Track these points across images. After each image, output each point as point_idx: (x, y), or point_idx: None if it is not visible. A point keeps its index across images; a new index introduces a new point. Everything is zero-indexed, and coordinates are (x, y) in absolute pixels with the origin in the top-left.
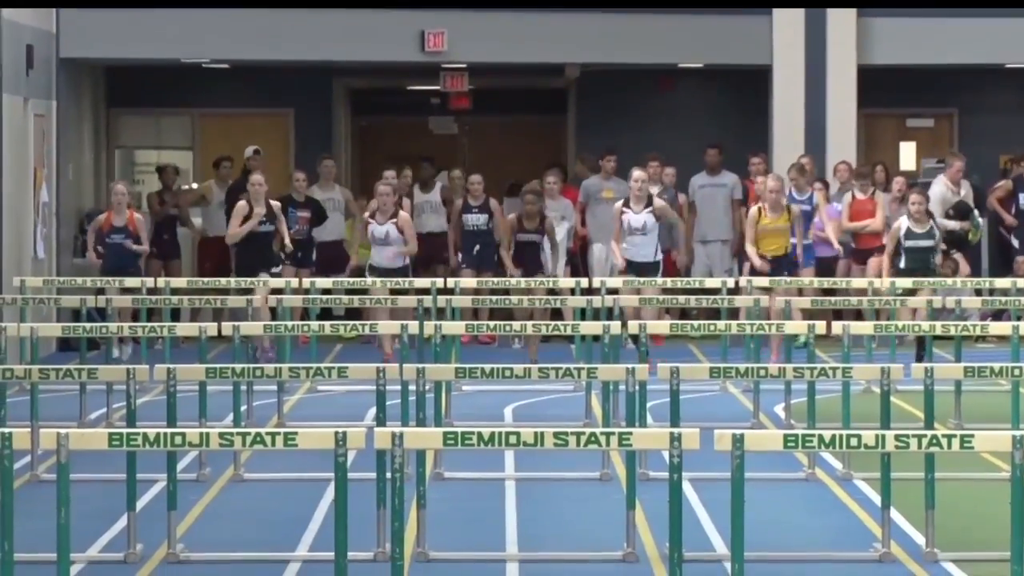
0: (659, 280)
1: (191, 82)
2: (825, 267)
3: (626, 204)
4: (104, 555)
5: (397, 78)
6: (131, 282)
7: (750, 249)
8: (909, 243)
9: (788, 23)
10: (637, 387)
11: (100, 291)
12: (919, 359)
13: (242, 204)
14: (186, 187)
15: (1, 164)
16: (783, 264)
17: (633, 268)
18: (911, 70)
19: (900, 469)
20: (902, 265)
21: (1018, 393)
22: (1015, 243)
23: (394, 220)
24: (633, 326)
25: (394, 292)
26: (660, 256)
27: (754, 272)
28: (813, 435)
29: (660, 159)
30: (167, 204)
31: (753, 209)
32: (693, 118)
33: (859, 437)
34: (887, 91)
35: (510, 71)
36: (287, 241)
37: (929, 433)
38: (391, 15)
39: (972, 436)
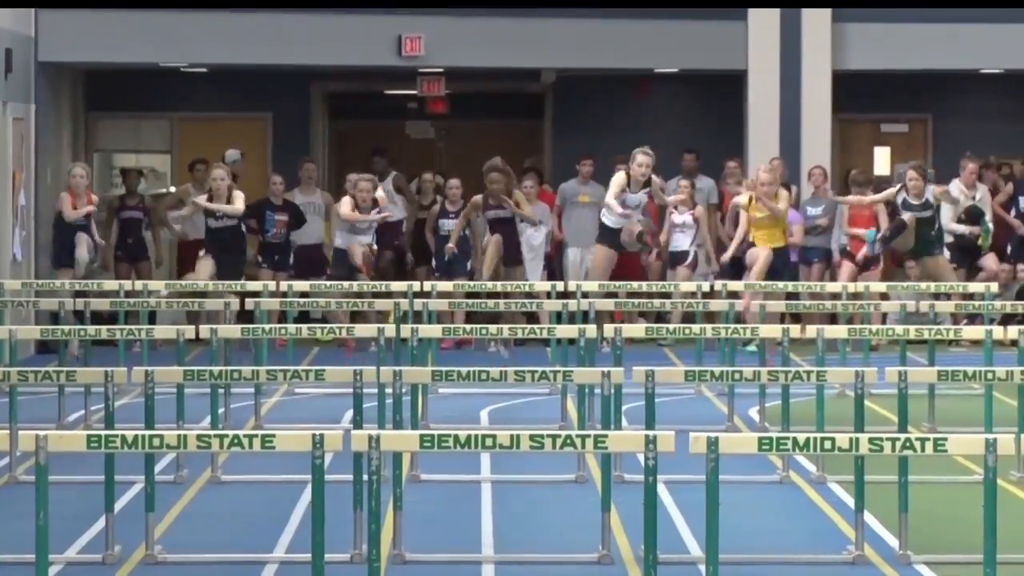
0: (635, 285)
1: (170, 86)
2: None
3: (625, 189)
4: (83, 556)
5: (374, 82)
6: (108, 285)
7: (735, 241)
8: (908, 214)
9: (763, 28)
10: (612, 390)
11: (80, 294)
12: None
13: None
14: (163, 191)
15: None
16: (780, 258)
17: (617, 245)
18: (885, 75)
19: (874, 472)
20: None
21: (991, 397)
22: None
23: (377, 209)
24: (608, 330)
25: (376, 296)
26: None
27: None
28: (787, 438)
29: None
30: (128, 207)
31: (743, 198)
32: (669, 123)
33: (833, 440)
34: (861, 96)
35: (487, 76)
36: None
37: (903, 436)
38: (369, 19)
39: (945, 439)
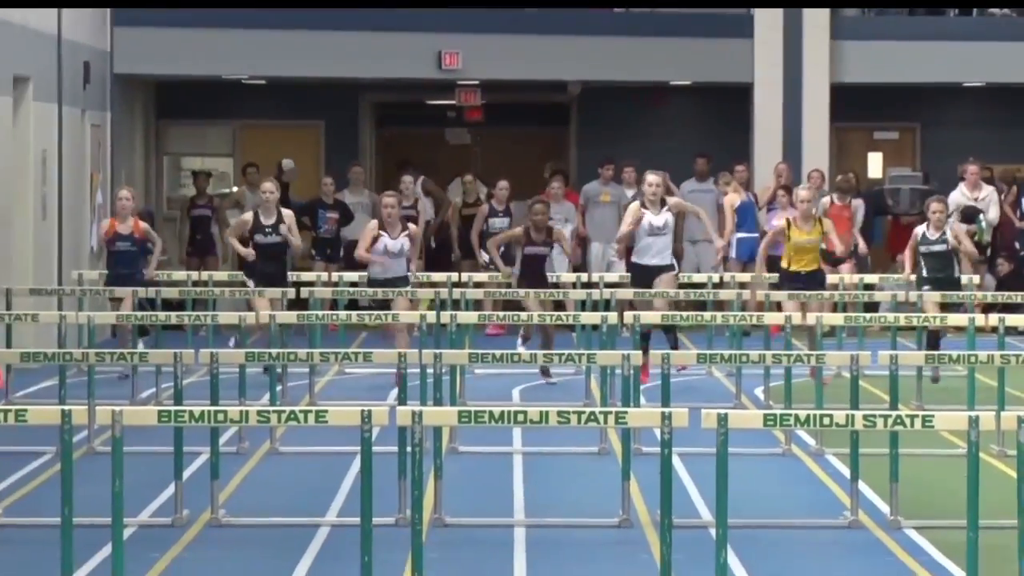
0: (672, 292)
1: (232, 96)
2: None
3: (642, 207)
4: (154, 519)
5: (416, 93)
6: (177, 275)
7: (762, 255)
8: (923, 248)
9: (767, 44)
10: (632, 371)
11: (152, 283)
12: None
13: (247, 216)
14: (226, 190)
15: (61, 169)
16: (816, 278)
17: (651, 272)
18: (878, 88)
19: (868, 446)
20: (925, 274)
21: (973, 378)
22: (1017, 245)
23: (406, 232)
24: (628, 317)
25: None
26: (673, 259)
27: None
28: (790, 415)
29: (636, 166)
30: (198, 206)
31: (781, 222)
32: (683, 130)
33: (831, 417)
34: (856, 107)
35: (518, 87)
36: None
37: (894, 413)
38: (412, 37)
39: (932, 416)
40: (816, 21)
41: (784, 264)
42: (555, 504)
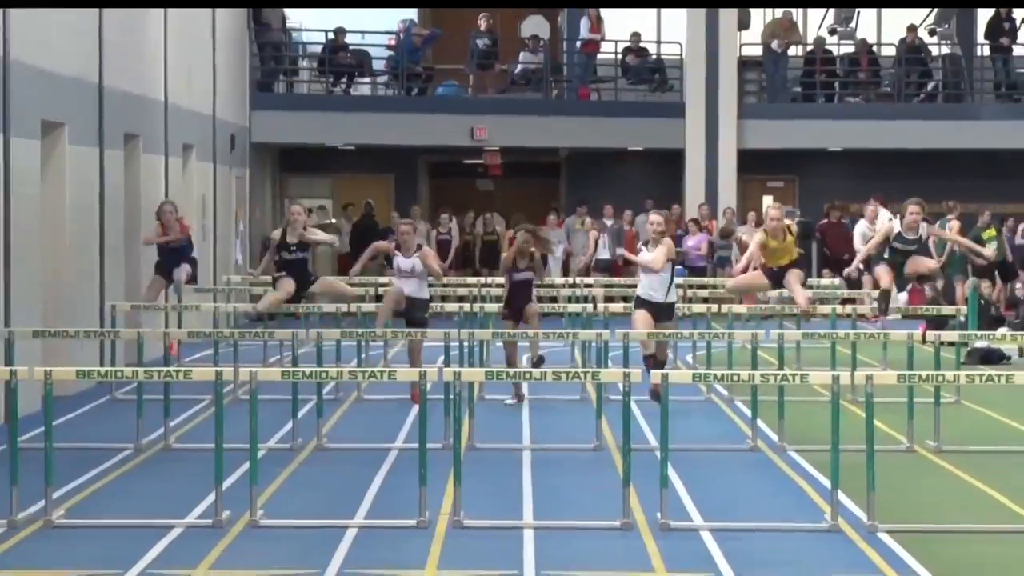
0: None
1: (331, 157)
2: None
3: (644, 245)
4: (279, 444)
5: (457, 155)
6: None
7: (742, 267)
8: (897, 244)
9: (694, 123)
10: (603, 345)
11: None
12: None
13: (276, 233)
14: (327, 221)
15: (216, 207)
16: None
17: (650, 307)
18: (770, 152)
19: (763, 395)
20: (886, 255)
21: (835, 348)
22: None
23: (418, 254)
24: (601, 307)
25: (457, 286)
26: (673, 298)
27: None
28: (710, 373)
29: (613, 204)
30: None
31: (759, 235)
32: (636, 181)
33: (738, 375)
34: (755, 165)
35: (526, 151)
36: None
37: (780, 372)
38: (454, 117)
39: (807, 374)
40: (727, 107)
41: (763, 263)
42: (550, 434)
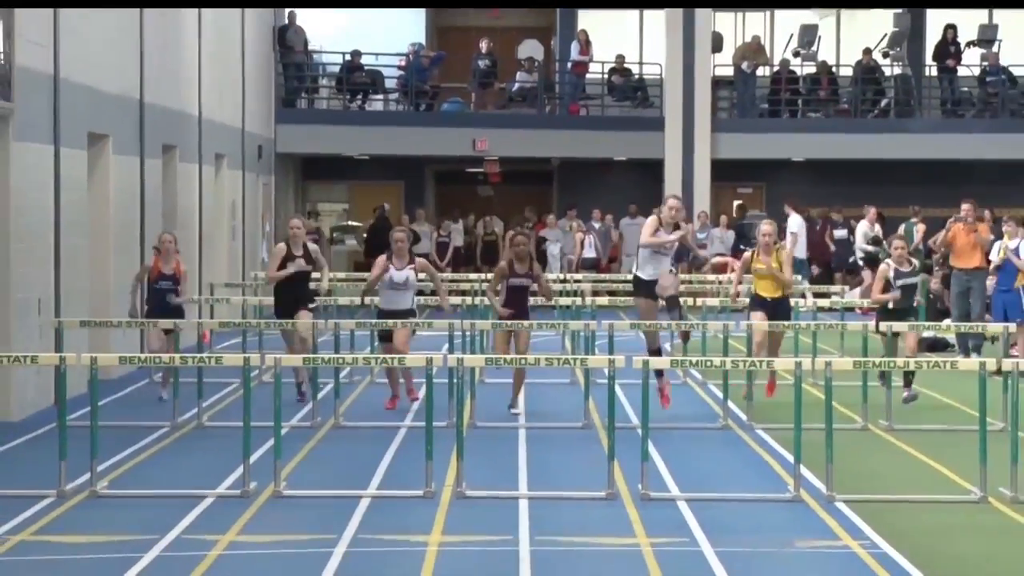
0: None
1: (347, 166)
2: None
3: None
4: (299, 423)
5: (460, 164)
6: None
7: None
8: (900, 282)
9: (673, 135)
10: (591, 334)
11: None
12: (908, 384)
13: (281, 246)
14: (344, 223)
15: (244, 211)
16: (781, 307)
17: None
18: (740, 162)
19: (734, 379)
20: (890, 306)
21: (798, 338)
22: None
23: (412, 265)
24: (588, 300)
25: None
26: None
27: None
28: (687, 359)
29: (577, 209)
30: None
31: (747, 254)
32: (621, 188)
33: (711, 360)
34: (727, 172)
35: (522, 161)
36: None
37: (750, 359)
38: (458, 130)
39: (772, 361)
40: (702, 121)
41: (755, 290)
42: (543, 413)
